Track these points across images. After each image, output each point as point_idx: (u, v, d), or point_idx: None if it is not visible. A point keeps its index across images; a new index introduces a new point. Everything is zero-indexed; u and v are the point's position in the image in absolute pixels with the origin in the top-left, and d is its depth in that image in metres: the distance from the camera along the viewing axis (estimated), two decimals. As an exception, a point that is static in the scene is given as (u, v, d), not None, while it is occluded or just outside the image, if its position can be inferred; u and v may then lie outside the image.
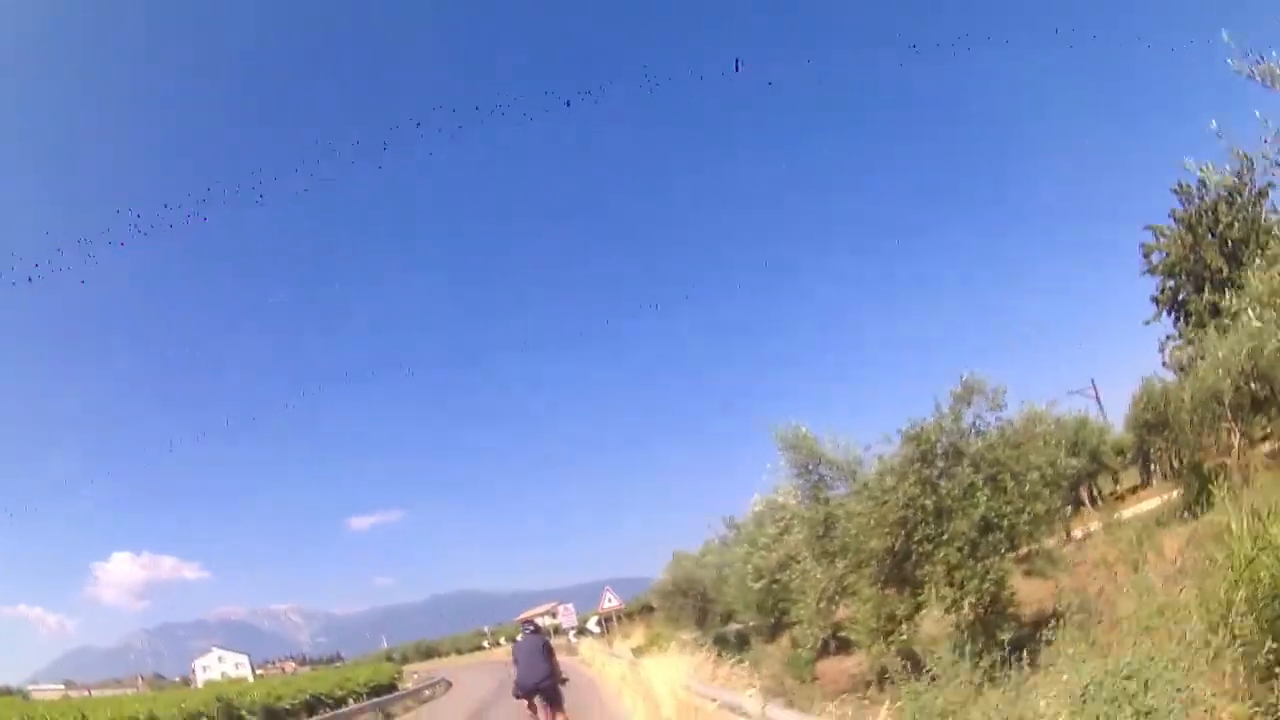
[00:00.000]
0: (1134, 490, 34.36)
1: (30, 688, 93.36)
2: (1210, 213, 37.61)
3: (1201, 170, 11.37)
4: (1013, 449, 15.56)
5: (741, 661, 21.80)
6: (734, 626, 36.14)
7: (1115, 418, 41.65)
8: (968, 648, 12.92)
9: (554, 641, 20.18)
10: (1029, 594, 16.25)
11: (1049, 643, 13.19)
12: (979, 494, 15.00)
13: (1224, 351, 19.77)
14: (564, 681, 17.15)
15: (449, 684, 51.87)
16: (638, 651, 33.18)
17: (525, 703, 16.53)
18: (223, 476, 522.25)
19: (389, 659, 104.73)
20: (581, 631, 70.83)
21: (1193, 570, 12.92)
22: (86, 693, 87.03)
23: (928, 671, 12.05)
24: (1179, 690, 7.03)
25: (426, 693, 46.40)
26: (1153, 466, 31.32)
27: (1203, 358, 22.51)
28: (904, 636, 15.73)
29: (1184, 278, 38.95)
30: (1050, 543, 15.94)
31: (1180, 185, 38.98)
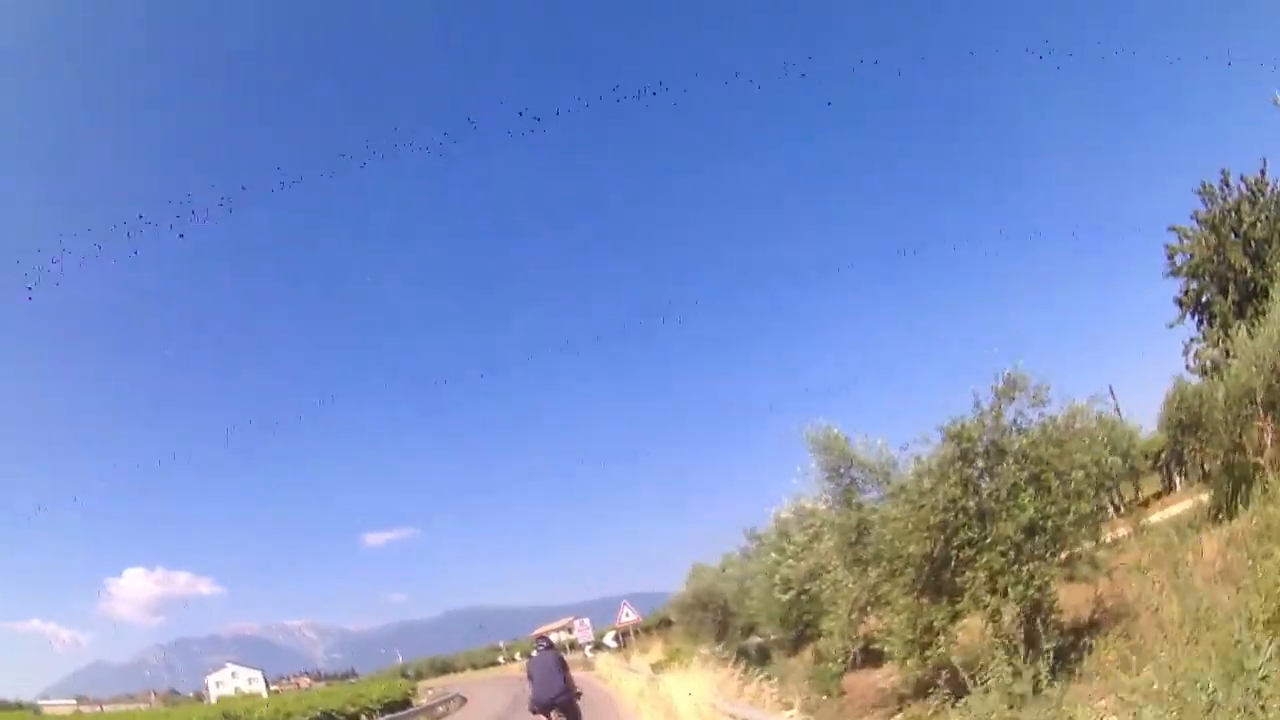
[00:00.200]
0: (1157, 496, 33.60)
1: (42, 703, 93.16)
2: (1234, 213, 37.12)
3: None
4: (1055, 446, 14.70)
5: (770, 678, 21.06)
6: (754, 640, 35.50)
7: (1135, 423, 41.03)
8: (1021, 658, 12.31)
9: (570, 657, 20.00)
10: (1066, 600, 15.46)
11: (1090, 650, 12.79)
12: (1023, 495, 14.20)
13: (1257, 346, 19.11)
14: (578, 696, 17.36)
15: (463, 699, 51.17)
16: (657, 667, 32.42)
17: (542, 718, 16.74)
18: (237, 493, 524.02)
19: (403, 675, 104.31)
20: (598, 646, 70.01)
21: (1236, 571, 12.55)
22: (99, 708, 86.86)
23: (983, 684, 11.27)
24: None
25: (440, 709, 45.62)
26: (1184, 469, 30.49)
27: (1233, 356, 22.05)
28: (941, 649, 14.90)
29: (1208, 279, 37.96)
30: (1091, 545, 14.97)
31: (1203, 185, 38.55)
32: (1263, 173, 35.34)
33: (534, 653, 17.93)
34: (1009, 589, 13.81)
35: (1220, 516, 18.79)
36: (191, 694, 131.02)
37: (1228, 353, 25.05)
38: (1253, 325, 21.43)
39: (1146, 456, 34.79)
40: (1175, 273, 39.44)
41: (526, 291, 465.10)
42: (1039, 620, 13.94)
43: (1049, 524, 14.11)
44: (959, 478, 14.58)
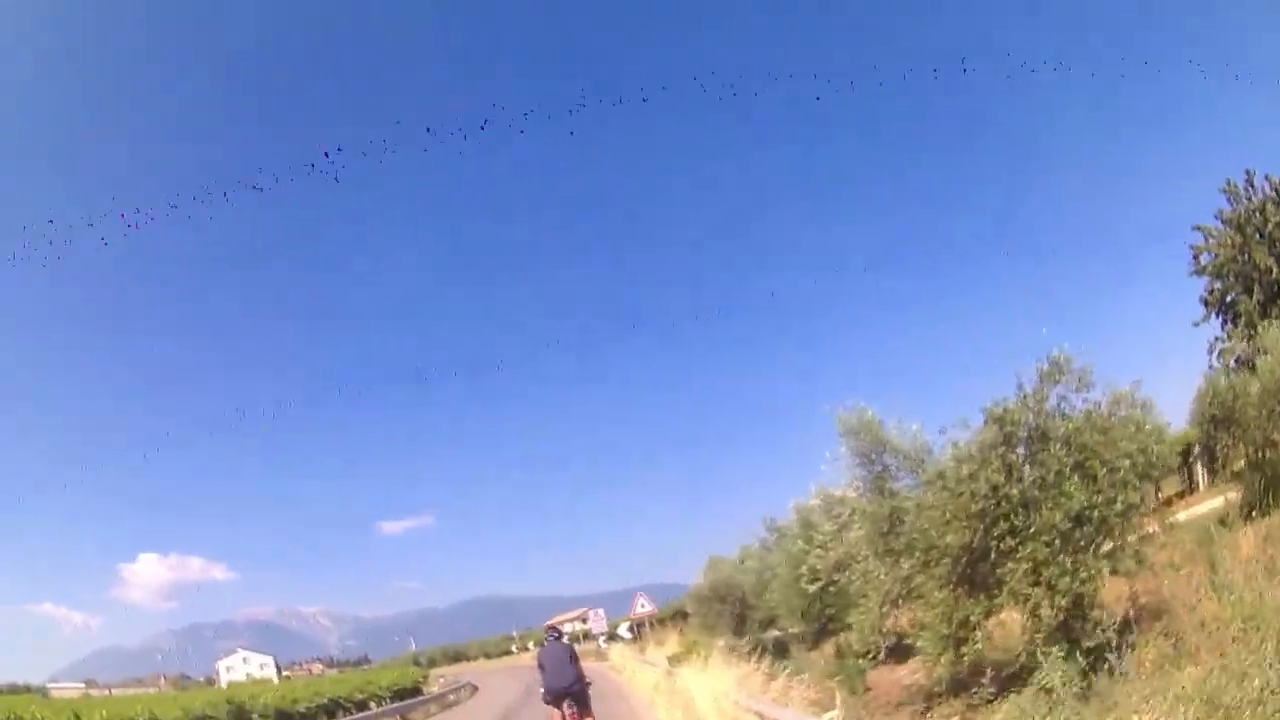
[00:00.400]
0: (1180, 496, 32.87)
1: (51, 686, 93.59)
2: (1259, 213, 36.92)
3: None
4: (1100, 434, 13.88)
5: (800, 673, 20.34)
6: (773, 633, 34.92)
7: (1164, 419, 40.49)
8: (1065, 655, 11.79)
9: (584, 647, 19.82)
10: (1102, 595, 14.76)
11: (1132, 648, 12.14)
12: (1068, 483, 13.36)
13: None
14: (588, 685, 17.65)
15: (475, 688, 50.63)
16: (673, 660, 31.69)
17: (553, 706, 17.01)
18: (253, 479, 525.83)
19: (416, 662, 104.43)
20: (612, 637, 69.40)
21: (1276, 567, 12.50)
22: (107, 692, 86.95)
23: (1041, 682, 10.62)
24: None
25: (451, 697, 45.05)
26: (1215, 466, 29.73)
27: (1264, 352, 21.79)
28: (978, 644, 14.16)
29: (1233, 279, 38.19)
30: (1134, 538, 14.14)
31: (1228, 184, 38.46)
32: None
33: (545, 643, 18.31)
34: (1054, 581, 13.01)
35: (1253, 513, 18.51)
36: (203, 679, 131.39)
37: (1257, 350, 24.65)
38: (1280, 323, 20.88)
39: (1178, 454, 34.05)
40: (1200, 272, 39.56)
41: (546, 284, 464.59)
42: (1082, 615, 13.31)
43: (1095, 514, 13.28)
44: (1001, 463, 13.77)
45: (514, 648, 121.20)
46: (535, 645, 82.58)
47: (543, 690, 17.15)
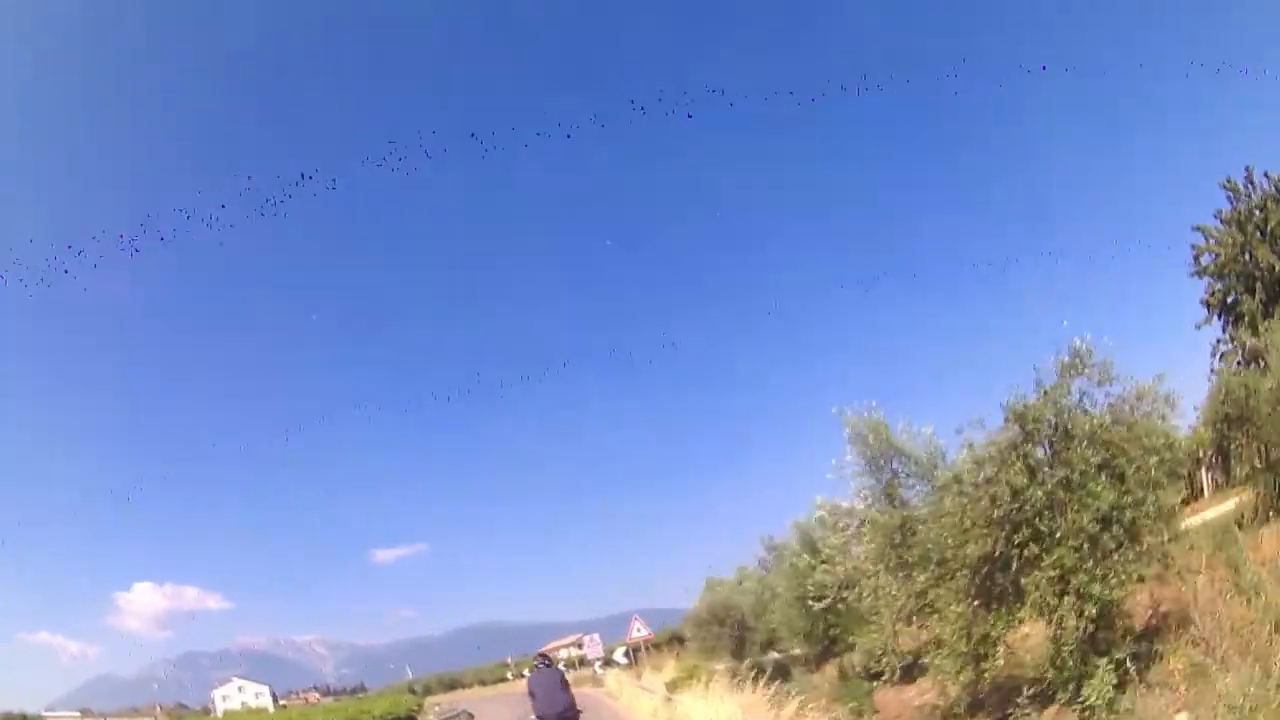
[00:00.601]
0: (1185, 503, 32.16)
1: (47, 714, 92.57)
2: (1260, 210, 36.74)
3: None
4: (1125, 429, 13.02)
5: (806, 696, 19.52)
6: (773, 656, 34.25)
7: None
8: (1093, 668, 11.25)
9: (580, 673, 19.62)
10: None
11: (1160, 657, 11.76)
12: (1094, 482, 12.48)
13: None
14: (580, 713, 17.56)
15: (470, 716, 49.64)
16: (672, 686, 30.75)
17: None
18: (246, 508, 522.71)
19: (411, 690, 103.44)
20: (608, 663, 68.39)
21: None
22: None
23: (1088, 698, 9.84)
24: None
25: (445, 725, 44.14)
26: (1228, 467, 29.11)
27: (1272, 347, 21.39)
28: (999, 660, 13.25)
29: (1234, 279, 37.75)
30: (1160, 540, 13.24)
31: (1228, 181, 38.16)
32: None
33: (533, 670, 18.30)
34: (1082, 589, 12.14)
35: (1270, 514, 17.99)
36: (199, 708, 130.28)
37: (1266, 346, 23.90)
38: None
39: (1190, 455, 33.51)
40: (1201, 273, 39.17)
41: (539, 311, 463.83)
42: (1110, 625, 12.55)
43: (1126, 515, 12.43)
44: (1024, 464, 12.87)
45: (509, 675, 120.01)
46: (530, 672, 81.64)
47: (534, 717, 16.99)
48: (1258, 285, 36.31)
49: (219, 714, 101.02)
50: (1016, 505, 12.65)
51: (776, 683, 22.39)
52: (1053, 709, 11.51)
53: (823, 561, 17.29)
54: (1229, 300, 38.13)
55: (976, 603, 13.46)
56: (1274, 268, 35.52)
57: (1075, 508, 12.38)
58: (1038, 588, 12.48)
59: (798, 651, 30.60)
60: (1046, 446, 13.27)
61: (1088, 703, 10.52)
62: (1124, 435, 12.91)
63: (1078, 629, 12.35)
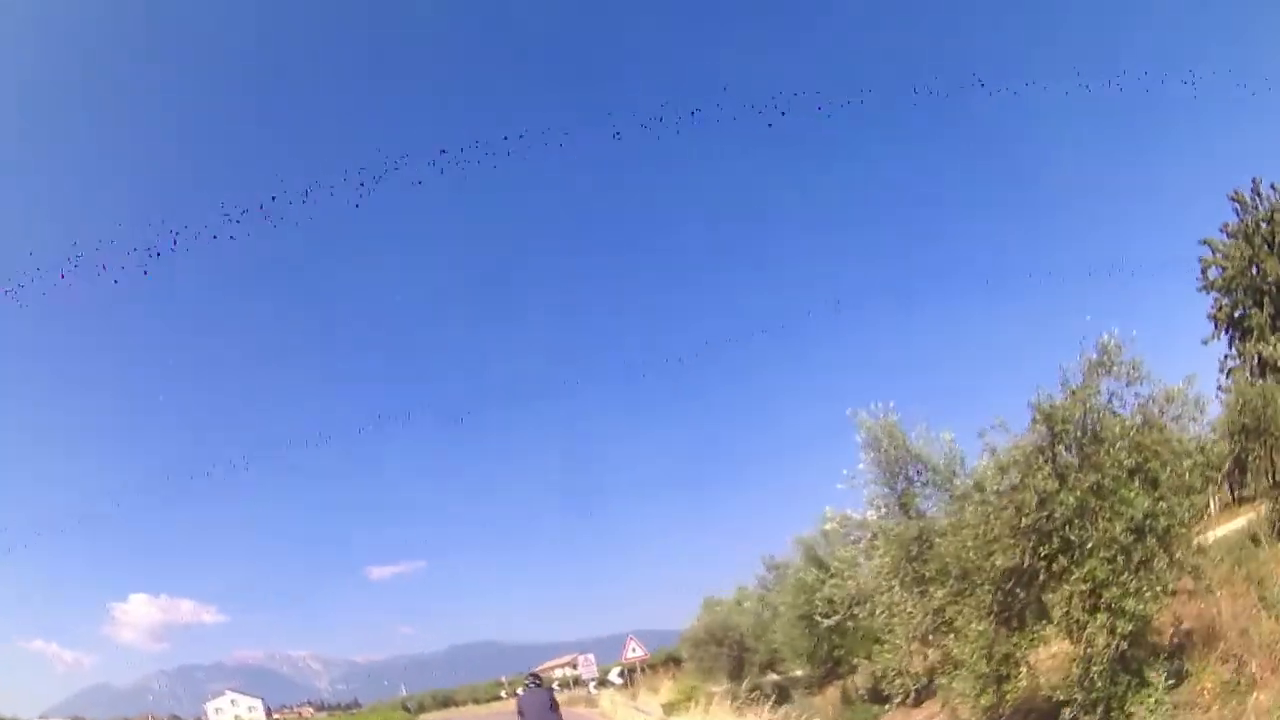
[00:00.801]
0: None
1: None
2: (1267, 222, 36.47)
3: None
4: (1157, 431, 12.20)
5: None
6: (772, 677, 33.55)
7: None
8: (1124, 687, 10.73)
9: (574, 693, 19.85)
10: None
11: (1187, 675, 11.36)
12: (1126, 489, 11.63)
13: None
14: None
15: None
16: (669, 708, 29.99)
17: None
18: (243, 522, 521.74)
19: (404, 707, 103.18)
20: (602, 683, 67.55)
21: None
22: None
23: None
24: None
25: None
26: (1244, 481, 28.51)
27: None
28: (1023, 681, 12.35)
29: (1242, 293, 37.40)
30: (1190, 551, 12.40)
31: (1235, 194, 37.93)
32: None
33: (522, 690, 18.53)
34: (1115, 603, 11.28)
35: None
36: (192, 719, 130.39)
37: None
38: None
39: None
40: (1208, 287, 38.79)
41: (534, 327, 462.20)
42: (1141, 643, 11.73)
43: (1159, 523, 11.61)
44: (1052, 468, 11.99)
45: (503, 693, 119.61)
46: (521, 691, 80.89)
47: None
48: (1266, 299, 36.04)
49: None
50: (1045, 513, 11.81)
51: (777, 705, 21.67)
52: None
53: (831, 576, 16.47)
54: (1236, 315, 37.73)
55: (999, 620, 12.60)
56: (1283, 278, 35.09)
57: (1107, 515, 11.56)
58: (1067, 602, 11.66)
59: (799, 673, 29.98)
60: (1075, 449, 12.43)
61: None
62: (1156, 439, 12.14)
63: (1109, 646, 11.46)
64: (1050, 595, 11.97)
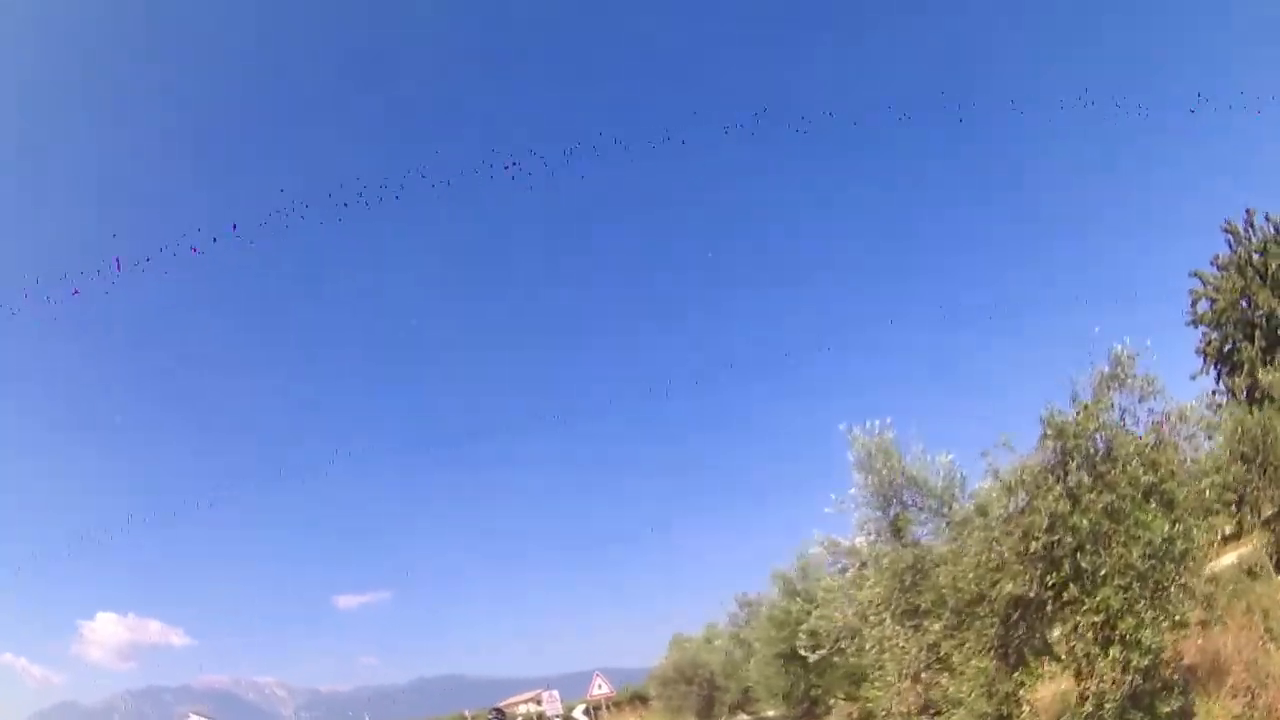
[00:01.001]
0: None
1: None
2: (1260, 254, 35.98)
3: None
4: (1171, 450, 11.41)
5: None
6: (742, 718, 32.62)
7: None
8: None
9: None
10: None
11: (1194, 710, 11.00)
12: (1142, 510, 10.78)
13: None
14: None
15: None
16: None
17: None
18: (211, 546, 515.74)
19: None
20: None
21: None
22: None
23: None
24: None
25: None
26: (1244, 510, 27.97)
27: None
28: (1025, 722, 11.38)
29: (1232, 327, 36.71)
30: (1200, 580, 11.57)
31: (1228, 224, 37.36)
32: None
33: None
34: (1129, 635, 10.41)
35: None
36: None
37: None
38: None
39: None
40: (1198, 321, 38.17)
41: (506, 363, 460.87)
42: (1152, 677, 10.84)
43: (1176, 548, 10.77)
44: (1064, 488, 11.09)
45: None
46: (489, 725, 79.57)
47: None
48: (1256, 332, 35.44)
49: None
50: (1055, 538, 10.89)
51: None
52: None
53: (817, 607, 15.31)
54: (1225, 349, 37.12)
55: (998, 656, 11.59)
56: (1275, 312, 34.74)
57: (1123, 540, 10.69)
58: (1076, 634, 10.80)
59: (771, 714, 28.83)
60: (1088, 468, 11.50)
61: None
62: (1170, 457, 11.30)
63: (1122, 682, 10.64)
64: (1057, 628, 11.23)
